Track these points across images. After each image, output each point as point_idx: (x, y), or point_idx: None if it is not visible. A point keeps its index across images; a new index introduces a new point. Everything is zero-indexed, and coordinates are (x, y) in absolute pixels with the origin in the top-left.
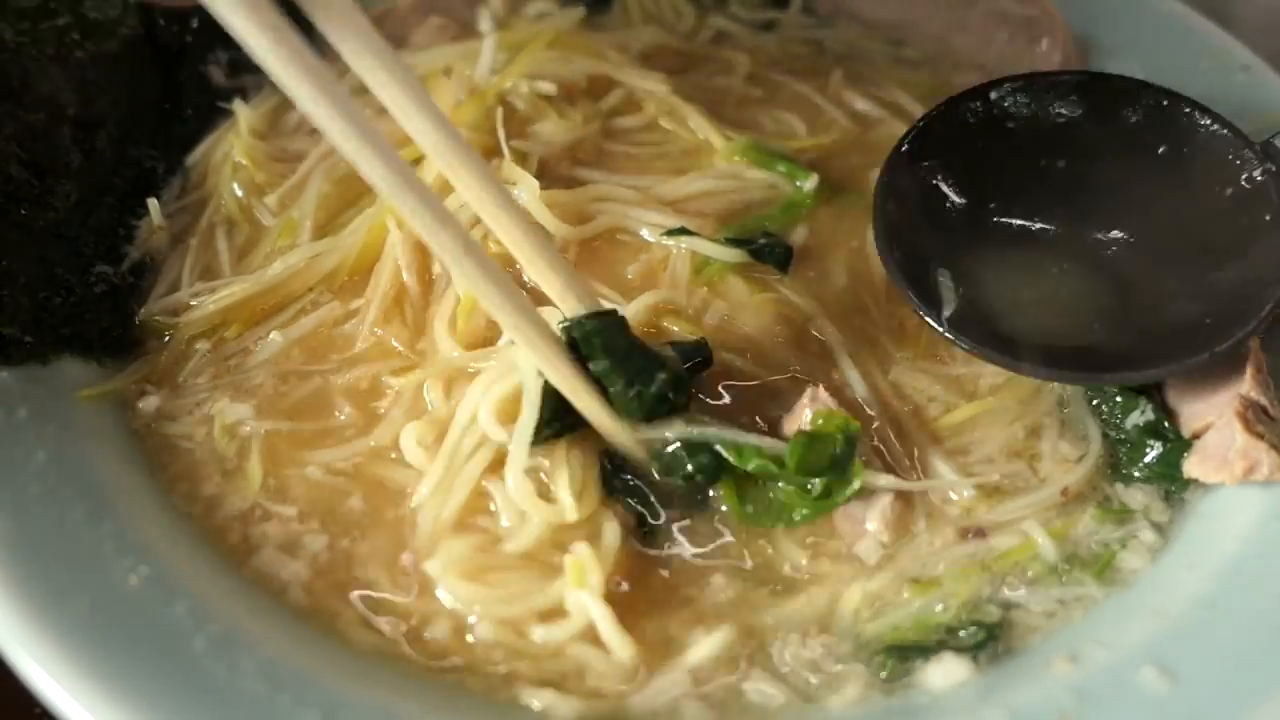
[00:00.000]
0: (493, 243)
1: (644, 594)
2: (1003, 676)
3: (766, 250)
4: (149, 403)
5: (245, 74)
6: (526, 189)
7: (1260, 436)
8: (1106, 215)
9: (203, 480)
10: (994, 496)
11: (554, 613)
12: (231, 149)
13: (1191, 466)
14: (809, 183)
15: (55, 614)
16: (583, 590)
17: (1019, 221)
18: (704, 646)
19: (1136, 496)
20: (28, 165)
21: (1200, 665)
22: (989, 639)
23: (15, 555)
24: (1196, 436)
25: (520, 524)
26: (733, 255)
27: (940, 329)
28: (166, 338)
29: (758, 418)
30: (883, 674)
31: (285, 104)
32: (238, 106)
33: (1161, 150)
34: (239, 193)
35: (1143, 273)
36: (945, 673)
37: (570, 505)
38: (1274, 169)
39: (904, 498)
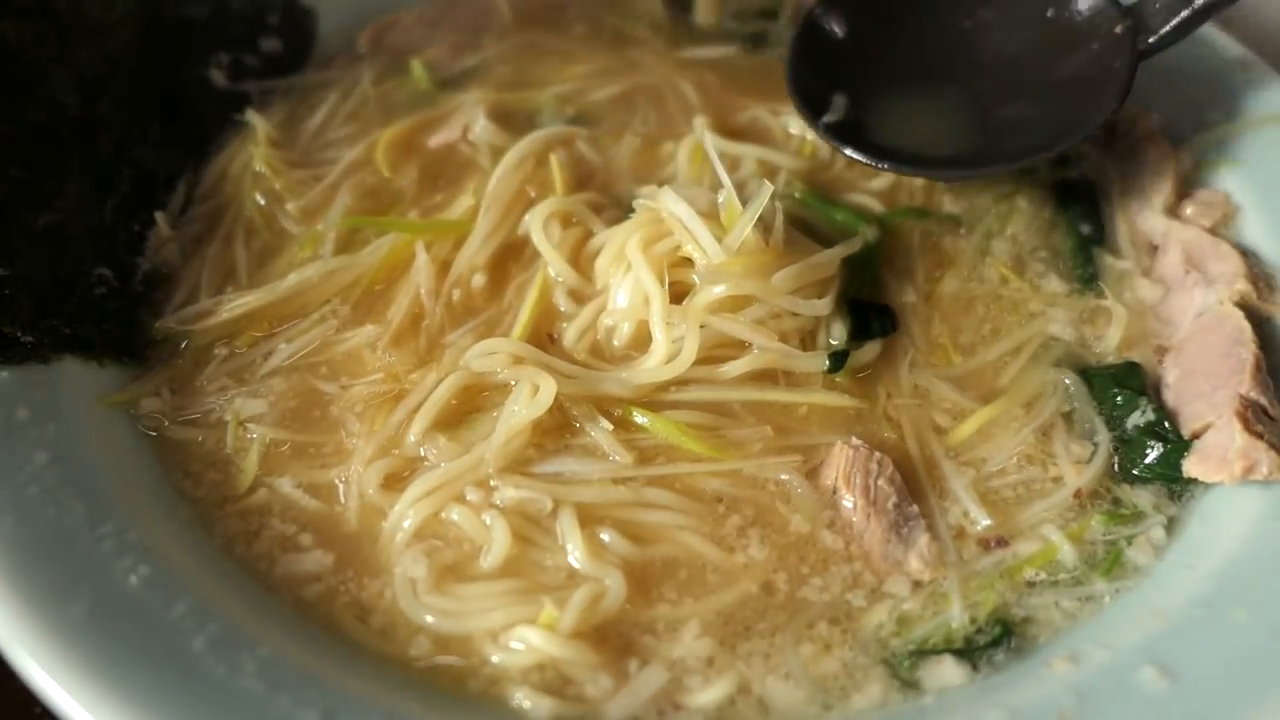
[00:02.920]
0: None
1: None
2: (1003, 676)
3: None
4: (151, 404)
5: (247, 78)
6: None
7: (1259, 436)
8: (990, 60)
9: (207, 480)
10: (1011, 505)
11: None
12: (251, 159)
13: (1191, 466)
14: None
15: (55, 614)
16: (536, 628)
17: (914, 63)
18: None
19: (1141, 496)
20: (28, 165)
21: (1200, 665)
22: (1005, 635)
23: (15, 555)
24: (1196, 436)
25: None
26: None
27: (819, 132)
28: (184, 344)
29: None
30: (900, 672)
31: (299, 111)
32: (252, 117)
33: (1049, 13)
34: (261, 201)
35: (1010, 102)
36: (941, 675)
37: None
38: (1130, 25)
39: (932, 529)
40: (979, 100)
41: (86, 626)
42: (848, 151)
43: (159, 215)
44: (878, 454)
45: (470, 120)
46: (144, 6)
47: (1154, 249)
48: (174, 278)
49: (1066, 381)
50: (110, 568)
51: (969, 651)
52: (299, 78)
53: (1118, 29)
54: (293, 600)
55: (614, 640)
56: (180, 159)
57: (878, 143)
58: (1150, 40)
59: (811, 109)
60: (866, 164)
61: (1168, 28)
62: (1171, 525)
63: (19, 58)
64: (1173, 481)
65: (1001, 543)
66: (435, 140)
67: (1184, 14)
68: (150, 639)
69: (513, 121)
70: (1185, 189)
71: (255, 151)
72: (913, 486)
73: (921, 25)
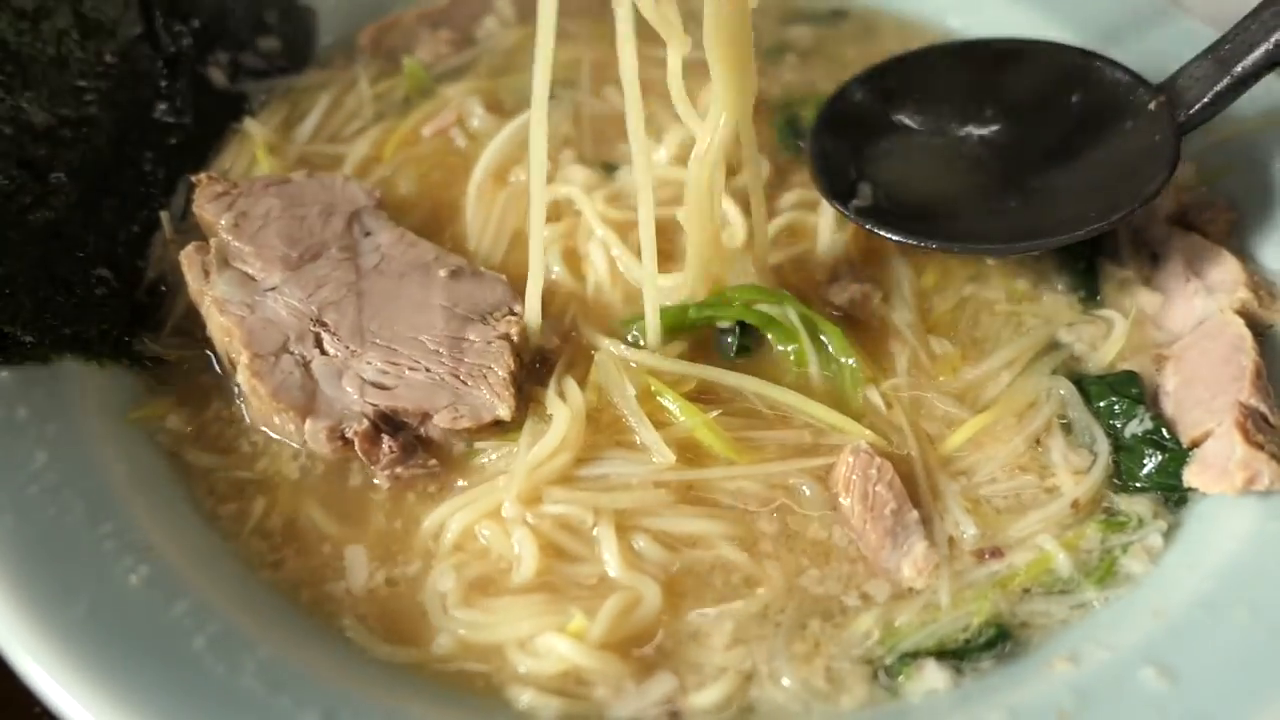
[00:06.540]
0: None
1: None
2: (1002, 677)
3: None
4: (173, 421)
5: (246, 78)
6: None
7: (1260, 447)
8: (1024, 143)
9: (212, 486)
10: (1004, 515)
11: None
12: (248, 166)
13: (1192, 476)
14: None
15: (55, 614)
16: (564, 637)
17: (944, 146)
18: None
19: (1139, 504)
20: (27, 165)
21: (1200, 665)
22: (997, 639)
23: (15, 555)
24: (1196, 445)
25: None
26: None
27: (846, 213)
28: (185, 366)
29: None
30: (886, 679)
31: (297, 113)
32: (249, 124)
33: (1075, 96)
34: None
35: (1050, 181)
36: (924, 680)
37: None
38: (1164, 99)
39: (930, 537)
40: (1017, 183)
41: (86, 626)
42: (885, 234)
43: (164, 215)
44: (878, 459)
45: (465, 111)
46: (143, 5)
47: (1154, 256)
48: (169, 291)
49: (1061, 392)
50: (110, 567)
51: (958, 657)
52: (298, 78)
53: (1152, 105)
54: (303, 601)
55: (642, 649)
56: (179, 159)
57: (915, 222)
58: (1190, 112)
59: (837, 193)
60: (911, 244)
61: (1207, 98)
62: (1169, 533)
63: (18, 56)
64: (1172, 490)
65: (996, 554)
66: (429, 129)
67: (1222, 84)
68: (150, 639)
69: (505, 109)
70: (1186, 196)
71: (259, 156)
72: (912, 494)
73: (946, 112)
